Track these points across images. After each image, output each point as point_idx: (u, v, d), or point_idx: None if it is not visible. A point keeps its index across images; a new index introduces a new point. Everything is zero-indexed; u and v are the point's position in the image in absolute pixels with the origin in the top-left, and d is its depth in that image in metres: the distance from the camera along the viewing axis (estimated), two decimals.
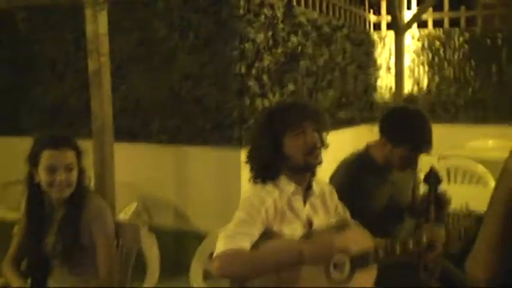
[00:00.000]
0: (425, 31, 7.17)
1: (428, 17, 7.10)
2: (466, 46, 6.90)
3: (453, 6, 7.06)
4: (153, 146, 4.46)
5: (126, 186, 4.05)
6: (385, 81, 7.50)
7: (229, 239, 1.81)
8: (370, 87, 7.19)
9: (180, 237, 4.26)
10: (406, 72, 7.23)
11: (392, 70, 7.26)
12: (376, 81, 7.42)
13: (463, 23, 6.97)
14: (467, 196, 2.95)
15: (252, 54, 4.28)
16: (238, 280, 1.89)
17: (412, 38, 7.23)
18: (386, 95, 7.49)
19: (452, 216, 2.42)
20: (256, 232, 1.86)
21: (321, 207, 2.11)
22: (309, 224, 2.04)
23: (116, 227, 2.29)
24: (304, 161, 1.99)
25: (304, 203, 2.06)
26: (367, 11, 7.37)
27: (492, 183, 3.85)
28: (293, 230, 1.97)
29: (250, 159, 2.06)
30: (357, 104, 6.69)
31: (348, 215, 2.22)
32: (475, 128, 6.59)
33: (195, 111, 4.31)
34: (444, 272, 2.39)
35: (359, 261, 1.99)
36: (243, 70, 4.18)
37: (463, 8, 6.97)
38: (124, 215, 3.42)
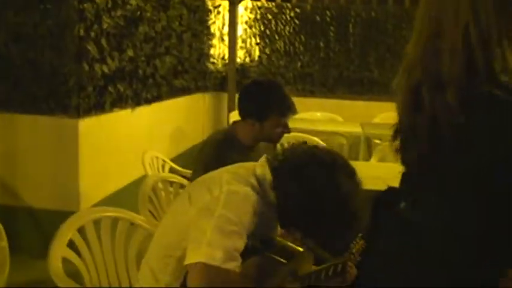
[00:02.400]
0: (258, 3, 7.27)
1: None
2: (297, 21, 7.15)
3: None
4: None
5: None
6: (218, 51, 7.50)
7: (227, 254, 1.54)
8: (203, 55, 7.13)
9: (8, 214, 3.85)
10: (239, 43, 7.31)
11: (226, 40, 7.28)
12: (209, 50, 7.38)
13: None
14: None
15: (92, 16, 3.94)
16: None
17: (245, 10, 7.30)
18: (219, 64, 7.50)
19: None
20: (243, 246, 1.61)
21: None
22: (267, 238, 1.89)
23: None
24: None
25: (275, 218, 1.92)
26: None
27: None
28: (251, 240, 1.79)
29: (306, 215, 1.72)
30: (192, 72, 6.60)
31: None
32: (303, 100, 6.90)
33: (26, 76, 3.87)
34: None
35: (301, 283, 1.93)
36: (82, 33, 3.84)
37: None
38: None
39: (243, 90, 2.62)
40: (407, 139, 1.25)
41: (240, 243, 1.58)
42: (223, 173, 1.74)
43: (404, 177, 1.32)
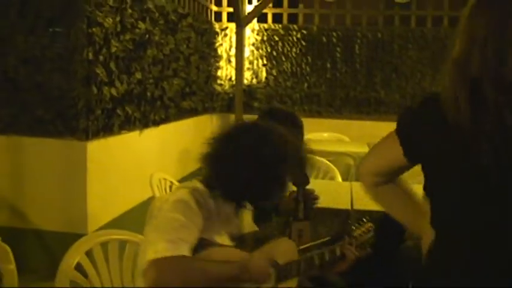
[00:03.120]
0: (265, 25, 7.33)
1: (268, 11, 7.27)
2: (303, 42, 7.19)
3: (292, 4, 7.32)
4: None
5: None
6: (225, 72, 7.54)
7: (171, 244, 1.57)
8: (211, 77, 7.18)
9: (16, 236, 3.85)
10: (246, 64, 7.35)
11: (233, 61, 7.32)
12: (216, 72, 7.42)
13: (301, 20, 7.24)
14: (324, 192, 3.06)
15: (100, 40, 3.98)
16: None
17: (252, 32, 7.35)
18: (227, 86, 7.54)
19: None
20: (194, 240, 1.67)
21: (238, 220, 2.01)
22: (237, 235, 1.91)
23: None
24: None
25: (236, 213, 1.94)
26: (209, 1, 7.33)
27: (338, 178, 4.02)
28: (222, 240, 1.82)
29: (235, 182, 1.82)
30: (199, 93, 6.64)
31: None
32: (309, 120, 6.91)
33: (34, 99, 3.90)
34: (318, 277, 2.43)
35: (284, 273, 1.93)
36: (91, 56, 3.88)
37: (301, 5, 7.25)
38: None
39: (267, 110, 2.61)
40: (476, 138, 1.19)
41: (187, 234, 1.63)
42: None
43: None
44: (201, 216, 1.73)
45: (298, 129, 2.46)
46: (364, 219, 2.31)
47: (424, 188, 1.36)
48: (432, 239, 1.36)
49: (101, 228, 3.98)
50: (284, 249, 1.98)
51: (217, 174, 1.83)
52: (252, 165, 1.77)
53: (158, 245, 1.58)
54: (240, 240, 1.91)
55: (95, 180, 3.99)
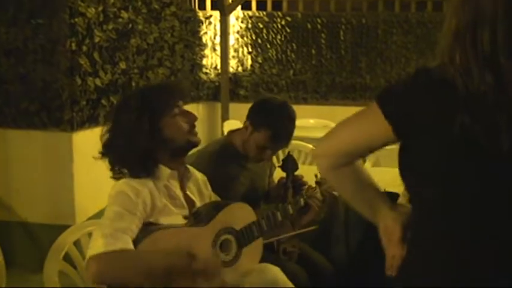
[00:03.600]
0: (249, 13, 7.30)
1: None
2: (288, 29, 7.17)
3: None
4: None
5: None
6: (210, 61, 7.51)
7: (109, 238, 1.58)
8: (196, 66, 7.15)
9: (3, 229, 3.84)
10: (231, 52, 7.33)
11: (218, 50, 7.30)
12: (202, 60, 7.40)
13: (285, 6, 7.22)
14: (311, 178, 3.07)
15: (83, 30, 3.96)
16: None
17: (237, 19, 7.33)
18: (212, 74, 7.51)
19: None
20: (135, 227, 1.67)
21: (197, 195, 2.00)
22: (191, 209, 1.90)
23: None
24: (188, 140, 1.86)
25: (182, 188, 1.92)
26: None
27: None
28: (173, 220, 1.82)
29: (117, 153, 1.84)
30: (185, 83, 6.61)
31: None
32: (296, 107, 6.90)
33: (18, 91, 3.87)
34: (302, 254, 2.45)
35: (245, 238, 1.93)
36: (74, 47, 3.85)
37: None
38: None
39: (262, 97, 2.62)
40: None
41: (126, 223, 1.64)
42: None
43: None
44: (140, 202, 1.73)
45: (292, 120, 2.46)
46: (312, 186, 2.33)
47: (406, 169, 1.29)
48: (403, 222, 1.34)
49: (88, 219, 3.97)
50: (241, 215, 1.97)
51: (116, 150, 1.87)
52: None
53: (97, 241, 1.60)
54: (195, 215, 1.89)
55: (82, 171, 3.97)
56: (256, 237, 1.98)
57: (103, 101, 4.28)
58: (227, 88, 7.08)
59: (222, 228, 1.87)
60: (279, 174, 2.64)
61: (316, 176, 2.33)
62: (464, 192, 1.20)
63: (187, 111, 1.90)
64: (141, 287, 1.60)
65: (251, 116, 2.43)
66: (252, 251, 1.97)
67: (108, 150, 1.86)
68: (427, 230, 1.28)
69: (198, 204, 1.95)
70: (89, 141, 4.10)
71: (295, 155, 4.45)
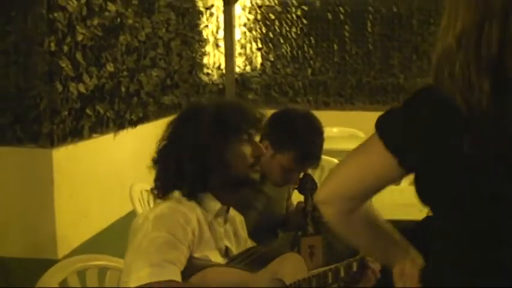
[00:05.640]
0: (258, 1, 7.34)
1: None
2: (305, 20, 7.20)
3: None
4: None
5: None
6: (212, 59, 7.55)
7: (157, 268, 1.59)
8: (196, 66, 7.19)
9: None
10: (237, 49, 7.36)
11: (222, 46, 7.33)
12: (202, 59, 7.43)
13: None
14: None
15: (63, 27, 3.99)
16: None
17: (243, 10, 7.37)
18: (215, 75, 7.54)
19: None
20: (183, 258, 1.67)
21: (233, 237, 2.02)
22: (226, 253, 1.92)
23: None
24: (247, 174, 1.88)
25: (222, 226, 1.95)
26: None
27: None
28: (215, 258, 1.83)
29: (176, 166, 1.84)
30: (183, 86, 6.65)
31: None
32: (316, 113, 6.93)
33: None
34: None
35: None
36: (53, 47, 3.89)
37: None
38: None
39: (280, 110, 2.62)
40: None
41: (174, 254, 1.65)
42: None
43: None
44: (190, 231, 1.74)
45: (321, 134, 2.46)
46: None
47: (422, 196, 1.32)
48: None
49: (73, 252, 3.99)
50: (291, 267, 1.99)
51: (176, 169, 1.83)
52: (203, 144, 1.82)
53: (141, 271, 1.60)
54: (236, 259, 1.92)
55: (64, 195, 3.99)
56: None
57: (88, 111, 4.31)
58: (233, 91, 7.10)
59: (273, 278, 1.88)
60: (297, 197, 2.64)
61: None
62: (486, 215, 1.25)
63: (257, 143, 1.92)
64: None
65: (271, 136, 2.42)
66: None
67: (165, 160, 1.86)
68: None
69: (233, 247, 1.98)
70: (72, 158, 4.13)
71: (317, 171, 4.48)
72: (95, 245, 4.18)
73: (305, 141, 2.38)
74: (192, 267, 1.71)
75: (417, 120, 1.24)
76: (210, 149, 1.81)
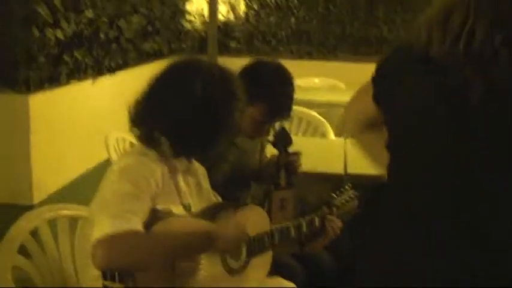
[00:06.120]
0: None
1: None
2: None
3: None
4: None
5: None
6: (195, 6, 7.48)
7: (117, 219, 1.63)
8: (178, 12, 7.12)
9: None
10: None
11: None
12: (185, 5, 7.36)
13: None
14: (313, 153, 3.10)
15: None
16: (124, 273, 1.68)
17: None
18: (198, 22, 7.49)
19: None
20: (146, 209, 1.72)
21: (195, 188, 2.04)
22: (189, 209, 1.96)
23: None
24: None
25: (184, 180, 1.97)
26: None
27: (331, 134, 4.06)
28: (178, 211, 1.87)
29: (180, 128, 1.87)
30: (164, 32, 6.60)
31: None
32: (298, 63, 6.92)
33: None
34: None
35: (256, 247, 1.99)
36: None
37: None
38: None
39: (251, 62, 2.62)
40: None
41: (137, 205, 1.69)
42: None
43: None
44: (153, 183, 1.77)
45: (291, 86, 2.47)
46: (347, 186, 2.39)
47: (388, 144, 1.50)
48: None
49: (49, 198, 4.03)
50: (254, 219, 2.04)
51: (154, 125, 1.86)
52: (184, 105, 1.82)
53: (104, 222, 1.64)
54: (208, 211, 1.96)
55: (40, 141, 4.00)
56: (267, 248, 2.05)
57: (65, 57, 4.28)
58: (215, 39, 7.04)
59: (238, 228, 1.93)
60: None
61: (332, 195, 2.36)
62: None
63: None
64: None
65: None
66: (261, 263, 2.04)
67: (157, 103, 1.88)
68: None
69: (195, 199, 2.01)
70: (49, 104, 4.13)
71: (294, 123, 4.51)
72: (70, 191, 4.22)
73: (276, 93, 2.40)
74: (155, 218, 1.75)
75: (393, 63, 1.49)
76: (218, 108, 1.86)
